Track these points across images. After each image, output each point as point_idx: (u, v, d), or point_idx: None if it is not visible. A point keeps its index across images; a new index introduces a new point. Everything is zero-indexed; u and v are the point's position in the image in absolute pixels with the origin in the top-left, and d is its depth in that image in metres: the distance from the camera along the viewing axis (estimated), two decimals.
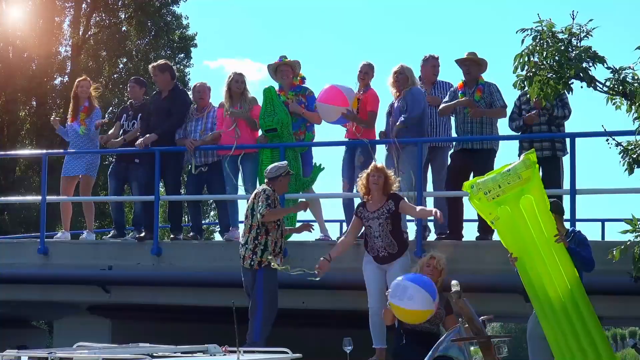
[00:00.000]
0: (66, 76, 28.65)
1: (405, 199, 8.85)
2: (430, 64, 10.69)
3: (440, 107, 10.23)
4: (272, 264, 8.60)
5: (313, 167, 10.35)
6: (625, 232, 7.32)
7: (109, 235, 11.72)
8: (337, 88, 10.22)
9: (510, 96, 14.06)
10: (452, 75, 10.55)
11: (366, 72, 10.48)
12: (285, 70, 10.62)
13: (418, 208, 8.75)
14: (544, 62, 6.97)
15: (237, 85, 10.64)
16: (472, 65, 10.10)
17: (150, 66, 11.71)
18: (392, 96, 10.30)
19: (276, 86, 10.66)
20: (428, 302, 7.53)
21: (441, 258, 8.14)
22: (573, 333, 7.03)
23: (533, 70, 7.02)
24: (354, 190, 10.28)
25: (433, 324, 7.92)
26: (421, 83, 10.52)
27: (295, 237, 10.50)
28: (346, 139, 10.55)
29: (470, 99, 9.95)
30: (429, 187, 10.44)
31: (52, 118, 12.52)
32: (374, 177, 8.56)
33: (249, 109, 10.59)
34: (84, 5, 29.35)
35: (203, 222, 11.68)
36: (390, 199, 8.58)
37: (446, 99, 10.24)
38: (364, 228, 8.73)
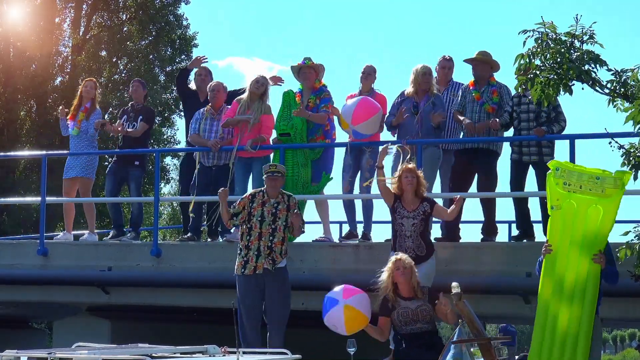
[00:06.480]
0: (66, 76, 28.64)
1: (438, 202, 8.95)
2: (447, 65, 10.71)
3: (455, 117, 10.30)
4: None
5: (322, 176, 10.31)
6: (626, 233, 7.33)
7: (110, 236, 11.70)
8: (367, 100, 10.13)
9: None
10: (465, 74, 10.56)
11: (369, 74, 10.49)
12: (307, 73, 10.46)
13: (449, 210, 8.90)
14: (546, 63, 6.95)
15: (255, 85, 10.43)
16: (479, 64, 10.12)
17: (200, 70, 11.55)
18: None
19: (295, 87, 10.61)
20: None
21: (405, 259, 8.05)
22: (568, 318, 7.15)
23: (535, 72, 7.01)
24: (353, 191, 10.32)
25: (426, 322, 7.90)
26: (436, 83, 10.51)
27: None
28: (359, 141, 10.34)
29: (470, 123, 9.98)
30: (436, 189, 10.44)
31: (60, 109, 12.22)
32: (407, 179, 8.64)
33: (247, 116, 10.39)
34: (84, 5, 29.35)
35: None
36: (425, 201, 8.71)
37: (459, 98, 10.30)
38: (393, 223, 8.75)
